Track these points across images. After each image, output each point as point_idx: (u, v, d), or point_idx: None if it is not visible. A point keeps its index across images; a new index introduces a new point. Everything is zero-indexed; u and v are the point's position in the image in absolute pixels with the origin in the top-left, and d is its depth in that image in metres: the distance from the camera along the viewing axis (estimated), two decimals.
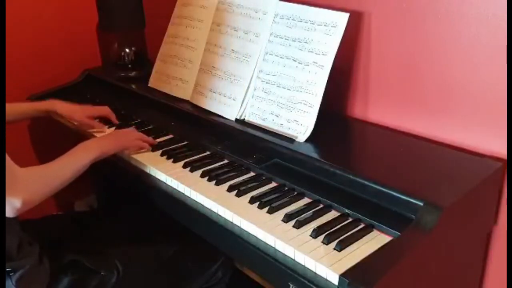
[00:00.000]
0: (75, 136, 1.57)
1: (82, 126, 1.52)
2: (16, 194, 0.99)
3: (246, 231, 1.02)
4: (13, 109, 1.45)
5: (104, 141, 1.30)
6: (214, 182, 1.18)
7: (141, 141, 1.34)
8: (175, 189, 1.19)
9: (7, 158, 0.99)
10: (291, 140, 1.26)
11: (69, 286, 1.13)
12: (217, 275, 1.33)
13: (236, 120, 1.40)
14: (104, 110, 1.55)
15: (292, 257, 0.92)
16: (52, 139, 1.95)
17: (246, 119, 1.39)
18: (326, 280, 0.86)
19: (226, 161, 1.29)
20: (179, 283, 1.27)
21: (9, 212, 1.00)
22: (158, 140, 1.42)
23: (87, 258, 1.18)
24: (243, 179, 1.19)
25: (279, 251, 0.95)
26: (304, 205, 1.08)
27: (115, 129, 1.52)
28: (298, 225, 0.99)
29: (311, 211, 1.05)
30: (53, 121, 1.73)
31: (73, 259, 1.17)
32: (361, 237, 0.96)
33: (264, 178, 1.19)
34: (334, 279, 0.85)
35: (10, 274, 1.02)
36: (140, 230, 1.38)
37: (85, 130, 1.51)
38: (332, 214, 1.04)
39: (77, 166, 1.16)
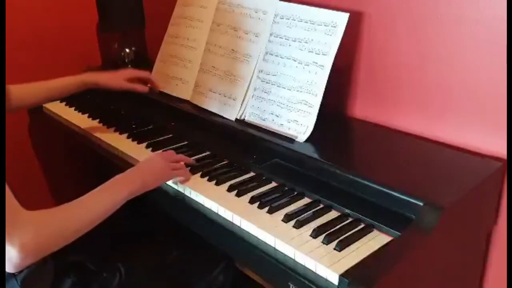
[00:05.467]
0: (73, 135, 1.57)
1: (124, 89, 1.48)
2: (11, 241, 0.83)
3: (246, 231, 1.02)
4: (50, 86, 1.44)
5: (140, 176, 1.10)
6: (214, 182, 1.18)
7: (180, 170, 1.19)
8: (175, 189, 1.19)
9: (9, 193, 0.85)
10: (291, 140, 1.26)
11: None
12: (219, 278, 1.33)
13: (236, 120, 1.40)
14: (144, 73, 1.52)
15: (292, 257, 0.92)
16: (50, 138, 1.96)
17: (246, 119, 1.39)
18: (326, 280, 0.86)
19: (226, 161, 1.29)
20: (181, 286, 1.26)
21: (8, 267, 0.85)
22: (158, 140, 1.42)
23: (90, 260, 1.17)
24: (243, 179, 1.19)
25: (279, 251, 0.95)
26: (304, 205, 1.08)
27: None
28: (298, 225, 0.99)
29: (311, 211, 1.05)
30: (51, 121, 1.74)
31: (76, 260, 1.16)
32: (361, 237, 0.95)
33: (264, 178, 1.19)
34: (334, 279, 0.85)
35: (15, 274, 1.02)
36: (142, 232, 1.38)
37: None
38: (332, 214, 1.04)
39: (104, 207, 1.00)
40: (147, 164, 1.16)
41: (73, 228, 0.95)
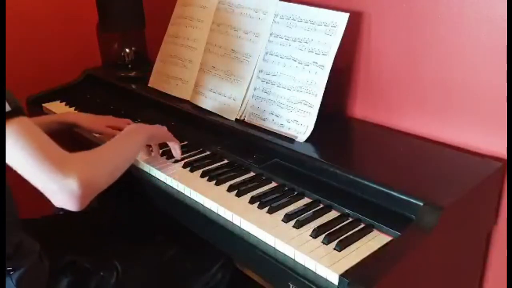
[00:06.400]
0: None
1: (104, 136, 1.41)
2: (69, 174, 0.87)
3: (246, 231, 1.02)
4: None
5: (149, 126, 1.24)
6: (214, 182, 1.18)
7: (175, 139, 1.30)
8: (175, 189, 1.19)
9: (51, 142, 0.91)
10: (291, 140, 1.26)
11: (68, 287, 1.13)
12: (217, 276, 1.33)
13: (236, 120, 1.40)
14: (126, 122, 1.46)
15: (292, 257, 0.92)
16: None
17: (246, 119, 1.39)
18: (326, 280, 0.86)
19: (226, 161, 1.29)
20: (179, 285, 1.26)
21: (68, 201, 0.88)
22: None
23: (86, 258, 1.18)
24: (243, 179, 1.19)
25: (279, 251, 0.95)
26: (304, 205, 1.08)
27: None
28: (298, 225, 0.99)
29: (311, 211, 1.05)
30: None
31: (72, 259, 1.16)
32: (361, 237, 0.95)
33: (264, 178, 1.19)
34: (334, 279, 0.85)
35: (10, 273, 1.02)
36: (140, 231, 1.38)
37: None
38: (332, 214, 1.04)
39: (131, 148, 1.11)
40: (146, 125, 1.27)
41: (114, 164, 1.03)
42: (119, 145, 1.10)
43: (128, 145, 1.12)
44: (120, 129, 1.40)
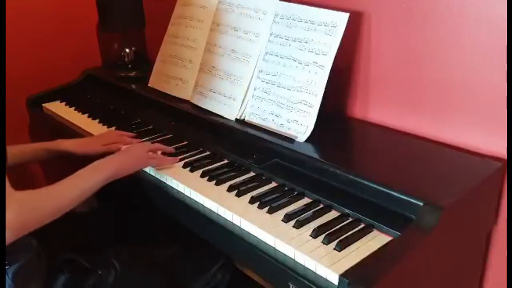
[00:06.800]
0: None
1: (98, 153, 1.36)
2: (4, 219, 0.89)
3: (246, 231, 1.02)
4: (20, 150, 1.34)
5: (117, 161, 1.20)
6: (214, 182, 1.18)
7: (157, 158, 1.27)
8: (175, 189, 1.19)
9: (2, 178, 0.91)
10: (291, 140, 1.26)
11: (66, 284, 1.13)
12: (217, 276, 1.33)
13: (236, 120, 1.40)
14: (120, 134, 1.44)
15: (292, 257, 0.92)
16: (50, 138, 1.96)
17: (246, 119, 1.39)
18: (326, 280, 0.86)
19: (226, 161, 1.29)
20: (178, 284, 1.26)
21: None
22: (158, 140, 1.42)
23: (85, 257, 1.17)
24: (243, 179, 1.19)
25: (279, 251, 0.95)
26: (304, 205, 1.08)
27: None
28: (298, 225, 0.99)
29: (311, 211, 1.05)
30: (51, 121, 1.74)
31: (71, 258, 1.16)
32: (361, 237, 0.95)
33: (264, 178, 1.19)
34: (334, 279, 0.85)
35: (6, 267, 1.02)
36: (140, 231, 1.38)
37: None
38: (332, 214, 1.04)
39: (83, 189, 1.08)
40: (125, 152, 1.27)
41: (55, 206, 1.03)
42: (73, 185, 1.08)
43: (84, 183, 1.09)
44: (119, 142, 1.39)
